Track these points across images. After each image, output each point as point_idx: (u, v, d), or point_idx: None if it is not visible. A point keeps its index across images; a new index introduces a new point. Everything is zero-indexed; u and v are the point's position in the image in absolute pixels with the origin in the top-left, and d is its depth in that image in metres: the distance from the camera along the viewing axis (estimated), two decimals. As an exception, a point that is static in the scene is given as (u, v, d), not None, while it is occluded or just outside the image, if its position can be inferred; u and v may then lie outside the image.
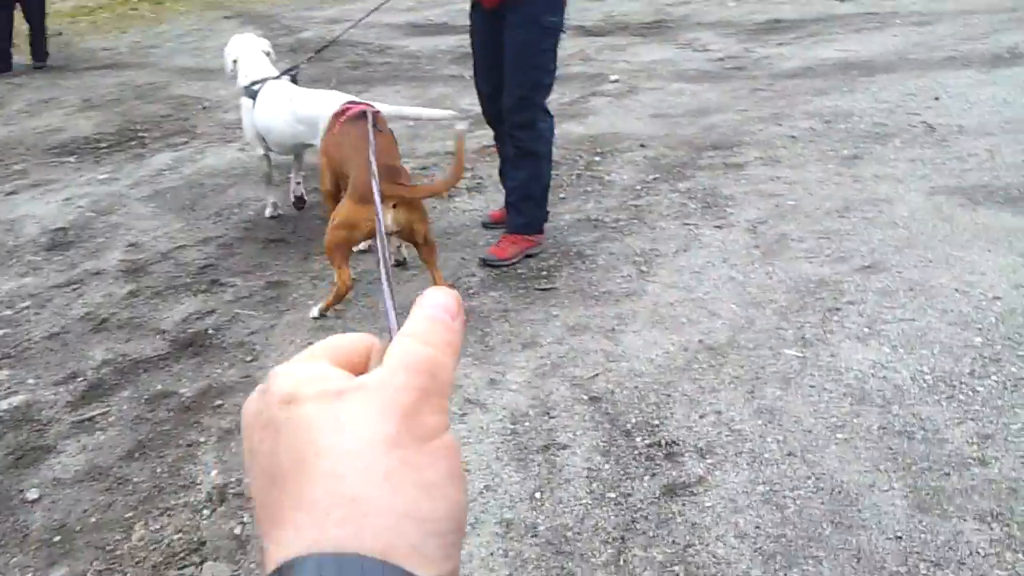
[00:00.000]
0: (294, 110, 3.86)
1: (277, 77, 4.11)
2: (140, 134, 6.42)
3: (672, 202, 4.29)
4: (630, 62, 7.25)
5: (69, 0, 13.94)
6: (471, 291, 3.58)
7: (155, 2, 13.55)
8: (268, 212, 4.54)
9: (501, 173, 4.12)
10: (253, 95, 4.06)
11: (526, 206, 3.82)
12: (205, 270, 4.04)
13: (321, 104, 3.72)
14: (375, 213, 3.39)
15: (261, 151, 4.26)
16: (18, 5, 9.18)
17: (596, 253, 3.81)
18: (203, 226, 4.56)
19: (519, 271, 3.73)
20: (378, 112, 3.49)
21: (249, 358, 3.24)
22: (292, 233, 4.37)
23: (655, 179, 4.62)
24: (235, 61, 4.25)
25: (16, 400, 3.11)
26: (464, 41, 8.77)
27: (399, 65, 7.94)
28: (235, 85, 4.34)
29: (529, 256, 3.83)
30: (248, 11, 12.45)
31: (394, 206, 3.14)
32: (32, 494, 2.65)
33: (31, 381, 3.24)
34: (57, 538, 2.47)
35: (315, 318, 3.46)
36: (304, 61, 4.74)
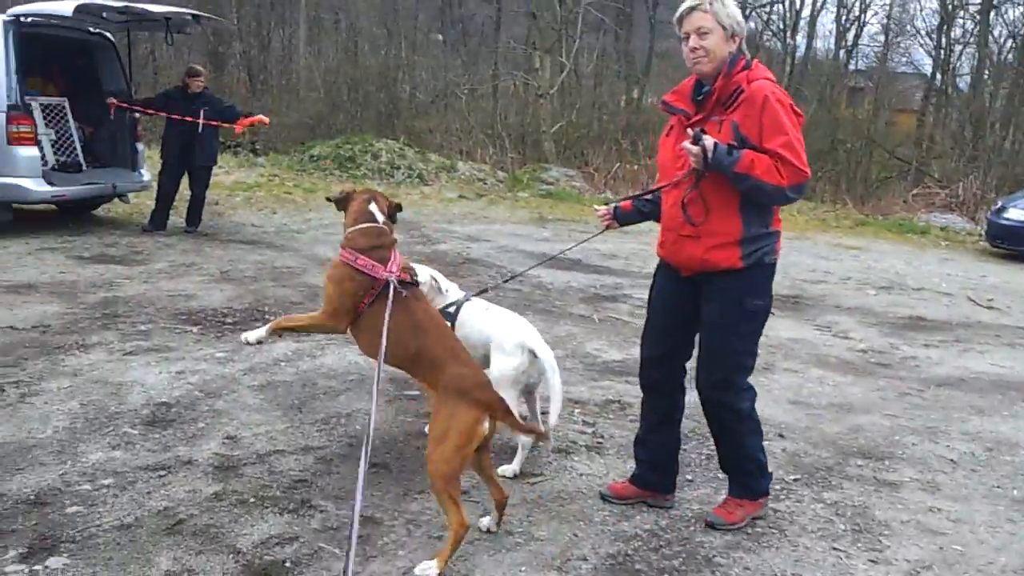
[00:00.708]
0: (483, 326, 4.07)
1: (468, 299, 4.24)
2: (267, 316, 6.42)
3: (817, 516, 3.79)
4: (768, 336, 6.95)
5: (232, 174, 14.96)
6: (581, 580, 3.13)
7: (307, 190, 14.38)
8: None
9: (639, 440, 3.79)
10: (449, 316, 4.07)
11: (743, 477, 3.62)
12: (298, 485, 3.73)
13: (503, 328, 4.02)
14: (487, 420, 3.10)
15: None
16: (187, 174, 9.79)
17: (729, 563, 3.32)
18: (307, 431, 4.32)
19: (637, 566, 3.26)
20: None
21: (322, 613, 2.83)
22: (396, 460, 4.07)
23: (796, 481, 4.15)
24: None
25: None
26: (597, 282, 8.74)
27: (530, 295, 7.90)
28: None
29: (661, 546, 3.39)
30: (393, 213, 12.94)
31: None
32: None
33: (86, 579, 2.92)
34: None
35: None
36: (488, 288, 4.84)
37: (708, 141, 3.18)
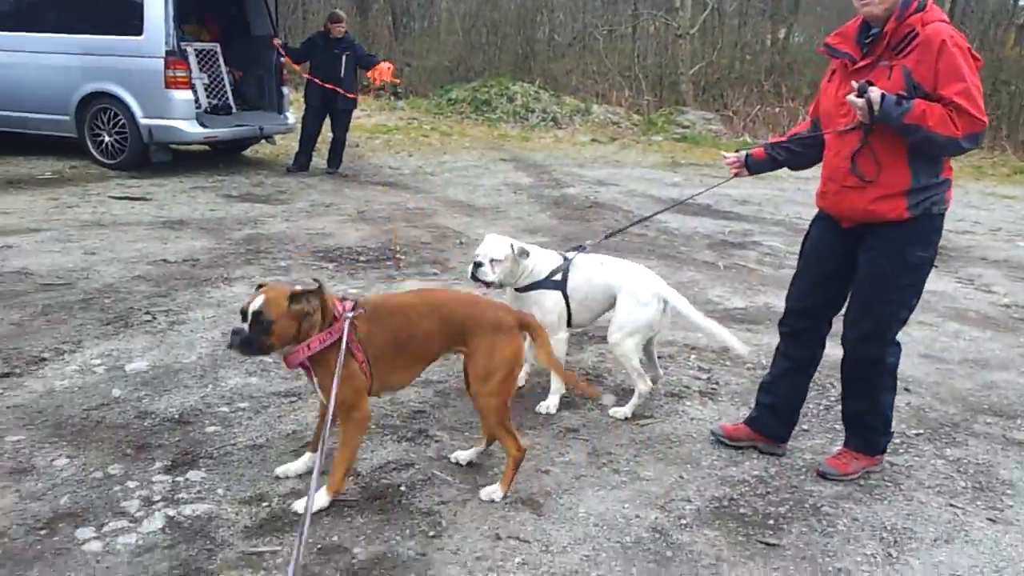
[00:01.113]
0: (606, 279, 4.05)
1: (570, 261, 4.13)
2: (397, 255, 6.67)
3: (936, 471, 3.67)
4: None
5: (373, 117, 15.39)
6: (683, 521, 3.17)
7: (444, 133, 14.63)
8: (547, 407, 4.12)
9: (765, 384, 3.78)
10: (557, 284, 4.03)
11: (865, 432, 3.56)
12: (417, 416, 3.93)
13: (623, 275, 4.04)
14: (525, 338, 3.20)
15: (564, 335, 4.12)
16: (329, 116, 10.16)
17: (836, 513, 3.28)
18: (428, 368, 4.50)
19: (742, 510, 3.27)
20: None
21: (432, 532, 3.00)
22: (511, 396, 4.19)
23: (918, 435, 4.02)
24: (492, 260, 3.97)
25: (201, 509, 3.06)
26: (725, 228, 8.55)
27: (655, 240, 7.83)
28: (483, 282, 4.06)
29: (768, 493, 3.39)
30: (525, 158, 13.05)
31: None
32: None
33: (220, 491, 3.19)
34: None
35: (493, 500, 3.23)
36: (603, 238, 4.75)
37: (874, 93, 3.04)
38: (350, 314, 3.00)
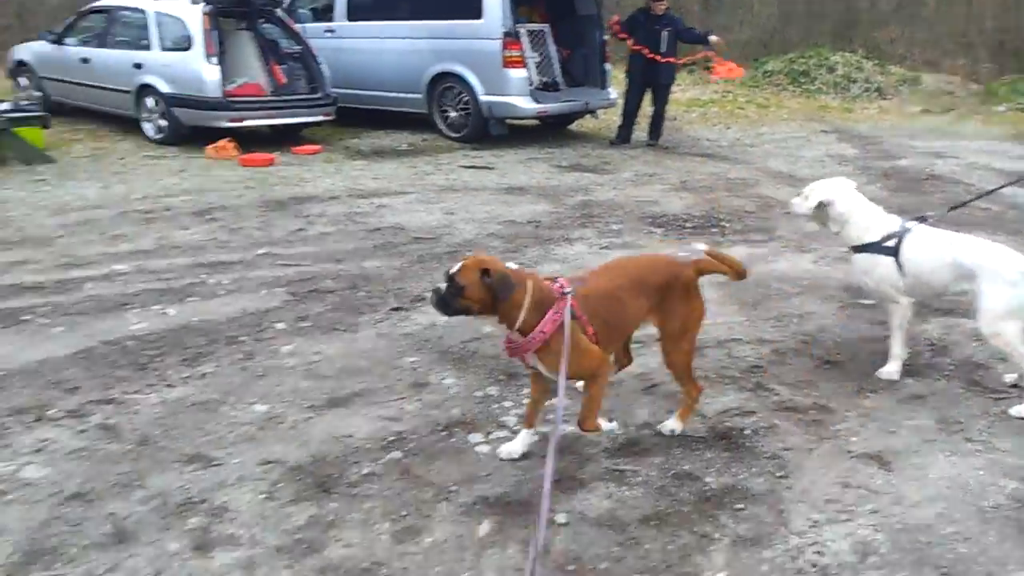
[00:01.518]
0: (955, 256, 3.77)
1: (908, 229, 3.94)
2: (722, 223, 6.82)
3: None
4: None
5: (688, 92, 15.47)
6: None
7: (760, 105, 14.38)
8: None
9: None
10: (888, 250, 3.89)
11: None
12: (754, 370, 4.10)
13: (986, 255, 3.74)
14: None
15: (905, 301, 3.98)
16: (650, 91, 10.46)
17: None
18: (761, 326, 4.65)
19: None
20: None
21: (780, 473, 3.18)
22: (850, 360, 4.22)
23: None
24: (821, 204, 3.98)
25: (568, 429, 3.47)
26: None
27: (1001, 215, 7.25)
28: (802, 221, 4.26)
29: None
30: (848, 129, 12.51)
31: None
32: (561, 518, 2.92)
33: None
34: (571, 567, 2.68)
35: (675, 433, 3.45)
36: (947, 210, 4.59)
37: None
38: (570, 289, 3.06)
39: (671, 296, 3.30)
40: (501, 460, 3.28)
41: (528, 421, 3.33)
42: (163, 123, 9.89)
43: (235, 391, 3.82)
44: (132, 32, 10.27)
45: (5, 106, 9.10)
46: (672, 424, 3.49)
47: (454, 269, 2.98)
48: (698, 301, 3.39)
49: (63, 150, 9.27)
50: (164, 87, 9.70)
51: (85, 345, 4.25)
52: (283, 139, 10.17)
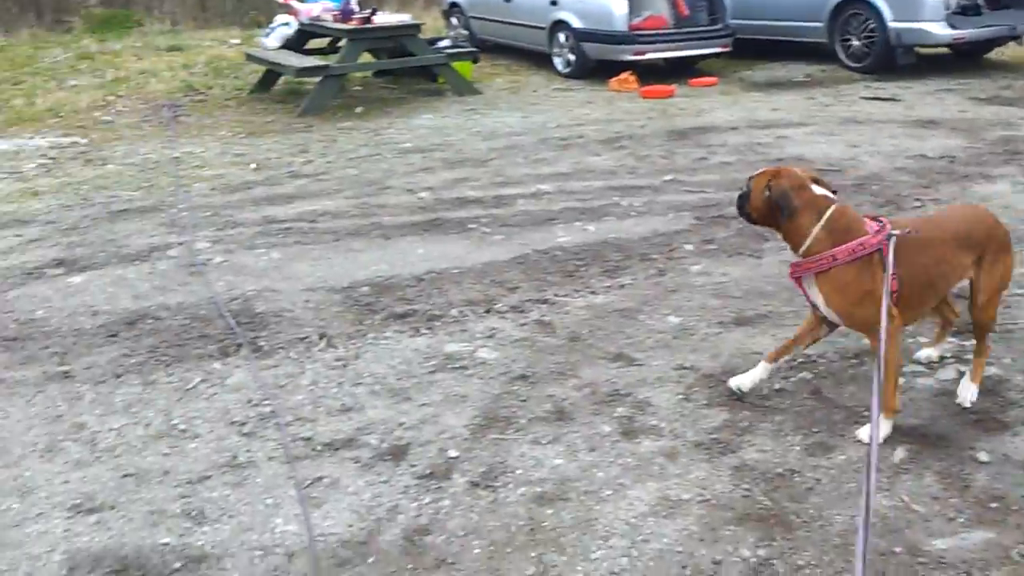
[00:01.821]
0: None
1: None
2: None
3: None
4: None
5: None
6: None
7: None
8: None
9: None
10: None
11: None
12: None
13: None
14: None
15: None
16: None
17: None
18: None
19: None
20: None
21: None
22: None
23: None
24: None
25: (991, 371, 3.35)
26: None
27: None
28: None
29: None
30: None
31: None
32: (983, 456, 2.88)
33: (1006, 360, 3.45)
34: (993, 504, 2.66)
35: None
36: None
37: None
38: (895, 232, 2.81)
39: (990, 251, 3.05)
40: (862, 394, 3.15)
41: (774, 355, 3.24)
42: (571, 57, 10.58)
43: (650, 302, 4.20)
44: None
45: (445, 43, 10.38)
46: (970, 392, 3.18)
47: (752, 174, 3.07)
48: (1010, 260, 3.13)
49: (486, 83, 10.35)
50: (576, 22, 10.35)
51: (520, 252, 4.89)
52: (679, 72, 10.40)
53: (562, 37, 10.66)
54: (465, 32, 12.64)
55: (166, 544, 2.61)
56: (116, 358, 3.76)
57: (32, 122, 8.46)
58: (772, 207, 2.90)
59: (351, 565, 2.51)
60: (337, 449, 3.08)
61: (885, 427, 2.96)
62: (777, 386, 3.37)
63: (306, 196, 5.99)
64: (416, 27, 9.52)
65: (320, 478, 2.91)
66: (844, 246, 2.81)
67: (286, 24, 9.81)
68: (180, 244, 5.09)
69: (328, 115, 8.68)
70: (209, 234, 5.25)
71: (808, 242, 2.88)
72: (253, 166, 6.87)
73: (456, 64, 9.76)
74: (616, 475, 2.89)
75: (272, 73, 9.63)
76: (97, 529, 2.68)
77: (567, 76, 10.65)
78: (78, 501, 2.82)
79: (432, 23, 13.35)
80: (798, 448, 2.99)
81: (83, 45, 12.11)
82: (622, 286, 4.39)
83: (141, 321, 4.11)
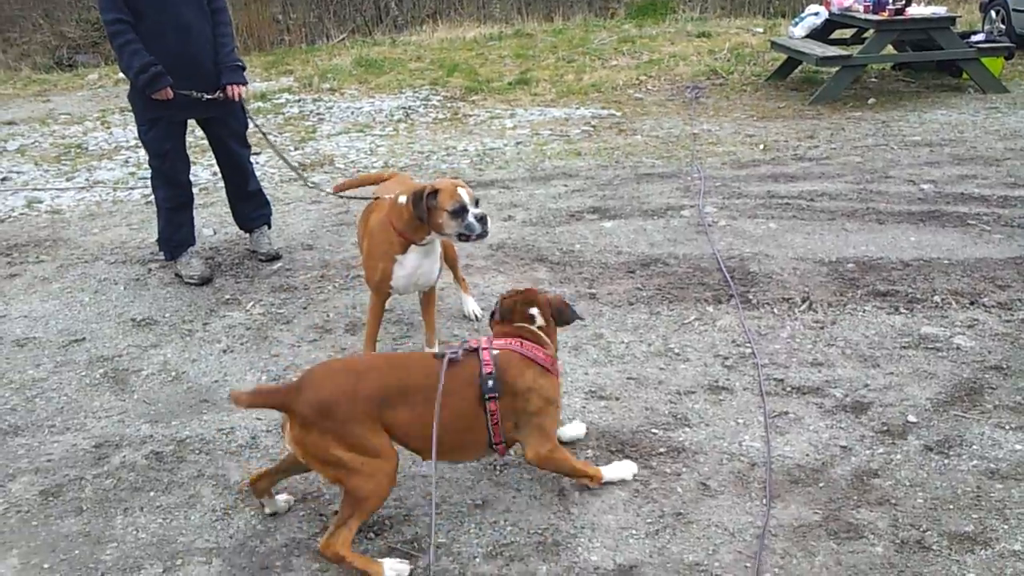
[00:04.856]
0: None
1: None
2: None
3: None
4: None
5: None
6: None
7: None
8: None
9: None
10: None
11: None
12: None
13: None
14: None
15: None
16: None
17: None
18: None
19: None
20: None
21: None
22: None
23: None
24: None
25: None
26: None
27: None
28: None
29: None
30: None
31: None
32: None
33: None
34: None
35: None
36: None
37: None
38: None
39: None
40: None
41: None
42: None
43: None
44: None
45: (978, 37, 9.80)
46: None
47: None
48: None
49: (1016, 81, 9.56)
50: None
51: (1020, 254, 4.76)
52: None
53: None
54: (1002, 27, 11.64)
55: (655, 434, 3.33)
56: (631, 289, 4.62)
57: (579, 95, 9.97)
58: None
59: (803, 484, 2.97)
60: (804, 394, 3.54)
61: None
62: None
63: (807, 177, 6.38)
64: (951, 19, 9.16)
65: (785, 412, 3.41)
66: None
67: (815, 14, 10.11)
68: (692, 207, 5.86)
69: (839, 104, 8.85)
70: (717, 201, 5.95)
71: None
72: (761, 147, 7.42)
73: (985, 60, 9.18)
74: (1080, 471, 2.92)
75: (791, 61, 10.02)
76: (605, 412, 3.50)
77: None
78: (593, 389, 3.67)
79: (967, 17, 12.51)
80: None
81: (624, 30, 13.67)
82: None
83: (653, 264, 4.94)
